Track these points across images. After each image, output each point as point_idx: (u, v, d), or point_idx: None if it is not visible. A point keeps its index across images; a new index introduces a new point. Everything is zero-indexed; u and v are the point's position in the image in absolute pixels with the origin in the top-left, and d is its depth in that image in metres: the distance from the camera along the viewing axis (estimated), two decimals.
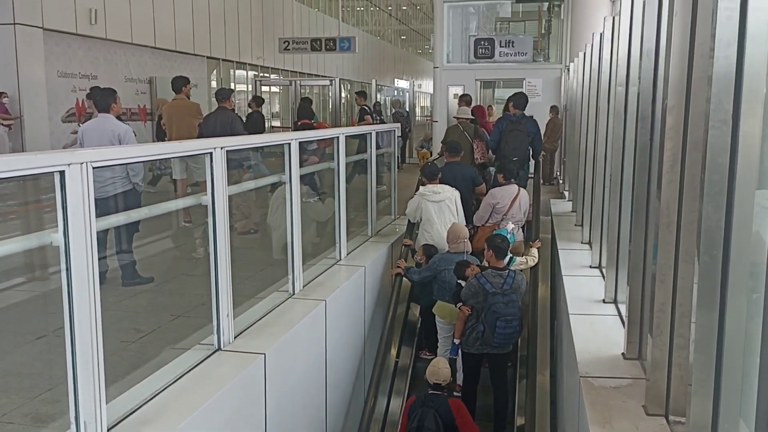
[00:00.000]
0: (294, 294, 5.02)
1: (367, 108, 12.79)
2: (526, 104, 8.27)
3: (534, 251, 6.37)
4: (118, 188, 5.25)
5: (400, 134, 12.35)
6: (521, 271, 5.89)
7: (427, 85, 44.62)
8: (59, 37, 13.78)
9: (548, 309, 6.08)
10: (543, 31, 16.41)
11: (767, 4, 1.85)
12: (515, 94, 8.53)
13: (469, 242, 6.23)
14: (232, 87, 22.22)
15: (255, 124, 11.31)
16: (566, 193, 9.54)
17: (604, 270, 4.85)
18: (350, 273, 5.88)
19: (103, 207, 3.33)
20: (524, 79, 13.87)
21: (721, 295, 1.98)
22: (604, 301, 4.39)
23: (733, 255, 1.92)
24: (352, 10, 34.34)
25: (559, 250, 6.14)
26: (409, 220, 7.29)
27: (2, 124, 11.78)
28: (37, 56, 13.10)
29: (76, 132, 9.01)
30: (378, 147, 7.65)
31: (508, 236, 5.92)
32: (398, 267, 6.50)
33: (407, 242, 7.07)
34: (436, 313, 6.16)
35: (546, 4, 15.63)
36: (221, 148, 3.75)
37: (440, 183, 6.98)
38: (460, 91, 14.24)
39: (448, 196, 6.80)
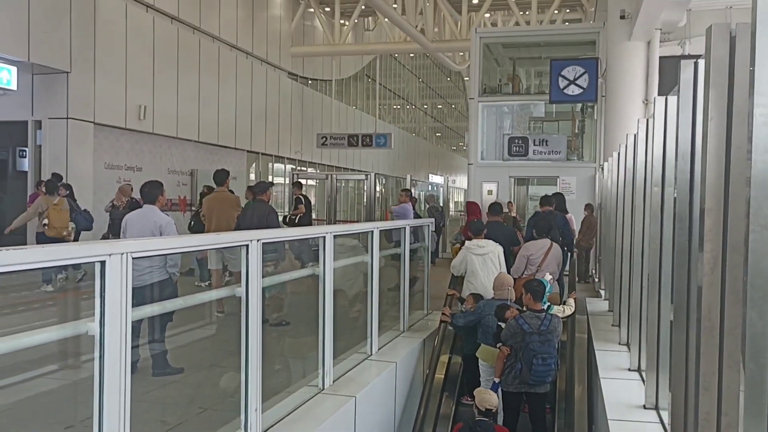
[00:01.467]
0: (324, 389, 4.93)
1: (301, 198, 13.10)
2: (552, 203, 9.18)
3: (571, 301, 6.76)
4: (154, 277, 5.31)
5: (434, 229, 12.65)
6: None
7: (461, 181, 45.18)
8: (108, 131, 14.43)
9: (585, 414, 5.84)
10: (576, 131, 16.62)
11: None
12: (543, 196, 9.55)
13: (513, 290, 6.54)
14: (270, 179, 22.80)
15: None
16: (602, 292, 9.37)
17: (643, 373, 4.68)
18: (381, 369, 5.78)
19: (139, 296, 3.37)
20: (558, 177, 13.96)
21: None
22: (644, 407, 4.21)
23: None
24: (388, 107, 35.43)
25: (595, 351, 5.97)
26: (452, 273, 7.72)
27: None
28: (86, 149, 13.68)
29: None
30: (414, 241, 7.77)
31: (547, 286, 6.22)
32: (443, 314, 6.87)
33: (450, 292, 7.56)
34: (480, 356, 6.37)
35: (579, 105, 15.91)
36: (257, 241, 3.81)
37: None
38: (494, 187, 14.40)
39: (492, 249, 7.35)
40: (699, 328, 2.62)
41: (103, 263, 2.57)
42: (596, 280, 11.01)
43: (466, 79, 42.86)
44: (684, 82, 3.21)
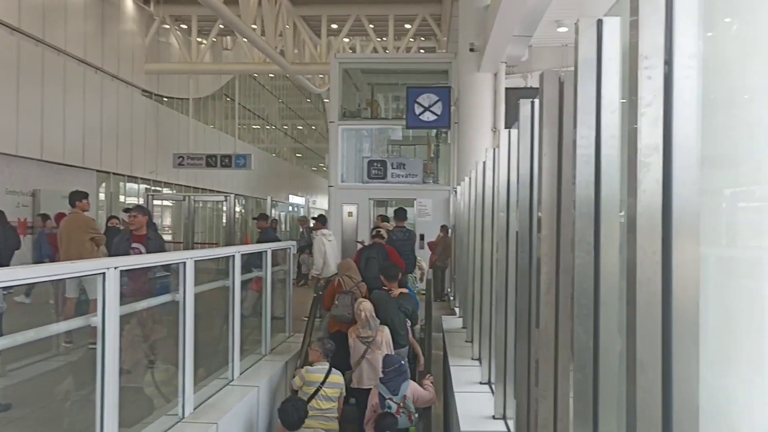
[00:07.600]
0: (183, 417, 4.83)
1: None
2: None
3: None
4: None
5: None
6: None
7: (322, 202, 45.38)
8: None
9: (442, 427, 6.13)
10: (432, 155, 17.37)
11: (616, 150, 2.17)
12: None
13: None
14: (123, 200, 21.75)
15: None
16: (457, 310, 9.83)
17: (493, 386, 5.01)
18: (243, 394, 5.74)
19: None
20: (415, 199, 14.52)
21: (593, 410, 2.16)
22: (494, 417, 4.51)
23: (602, 373, 2.12)
24: (248, 128, 35.02)
25: (450, 367, 6.28)
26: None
27: None
28: None
29: None
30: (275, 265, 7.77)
31: None
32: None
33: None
34: None
35: (434, 131, 16.65)
36: (115, 268, 3.71)
37: None
38: (354, 209, 14.72)
39: None
40: (538, 343, 2.91)
41: None
42: (452, 298, 11.53)
43: (326, 101, 43.32)
44: (522, 119, 3.53)
